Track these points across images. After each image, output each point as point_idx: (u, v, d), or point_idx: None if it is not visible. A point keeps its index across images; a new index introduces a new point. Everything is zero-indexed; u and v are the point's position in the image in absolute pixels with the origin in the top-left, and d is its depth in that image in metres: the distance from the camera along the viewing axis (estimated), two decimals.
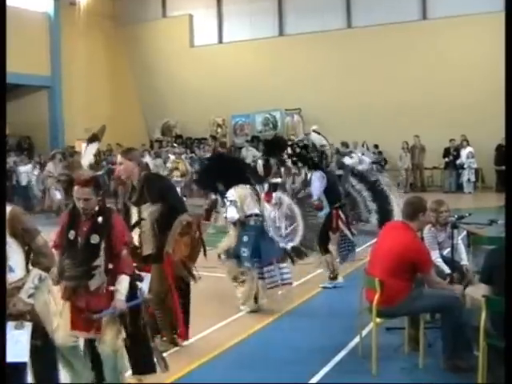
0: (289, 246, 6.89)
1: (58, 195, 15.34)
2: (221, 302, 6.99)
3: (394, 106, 20.26)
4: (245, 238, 6.57)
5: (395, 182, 20.23)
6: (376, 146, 20.69)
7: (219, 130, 23.69)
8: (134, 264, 4.47)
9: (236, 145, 22.35)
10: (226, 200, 6.65)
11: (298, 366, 5.10)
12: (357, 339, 5.39)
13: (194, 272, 5.43)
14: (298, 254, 7.10)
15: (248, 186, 6.76)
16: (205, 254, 5.49)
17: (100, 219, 4.16)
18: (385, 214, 7.91)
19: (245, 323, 6.32)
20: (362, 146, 20.82)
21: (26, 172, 17.78)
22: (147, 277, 4.71)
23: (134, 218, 5.21)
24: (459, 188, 19.27)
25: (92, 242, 4.10)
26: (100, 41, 24.97)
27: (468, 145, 19.13)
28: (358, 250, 9.86)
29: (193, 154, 20.43)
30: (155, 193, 5.16)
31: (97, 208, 4.19)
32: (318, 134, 8.79)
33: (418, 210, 5.06)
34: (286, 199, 7.14)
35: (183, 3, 24.99)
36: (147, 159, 18.84)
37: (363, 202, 8.19)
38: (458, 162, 19.25)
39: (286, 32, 23.52)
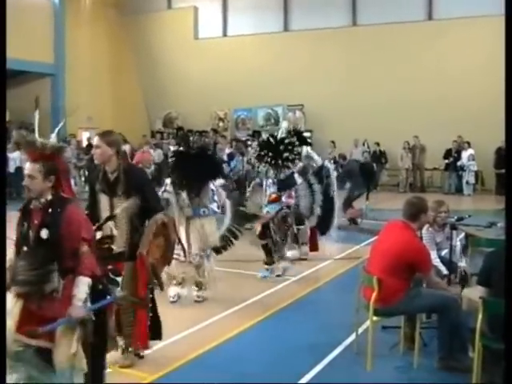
0: None
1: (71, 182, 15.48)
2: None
3: (396, 105, 20.26)
4: None
5: (395, 182, 20.48)
6: (377, 144, 20.67)
7: (221, 123, 23.68)
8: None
9: (238, 138, 22.33)
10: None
11: (293, 362, 5.11)
12: (353, 336, 5.41)
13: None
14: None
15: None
16: (184, 253, 5.22)
17: (50, 210, 3.57)
18: (325, 222, 8.17)
19: (244, 315, 6.34)
20: (363, 144, 20.84)
21: (13, 159, 17.93)
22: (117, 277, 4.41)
23: (105, 212, 4.71)
24: (459, 190, 19.30)
25: (42, 237, 3.55)
26: (104, 30, 24.90)
27: (469, 147, 19.13)
28: (357, 247, 9.99)
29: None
30: (133, 186, 4.68)
31: (49, 197, 3.62)
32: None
33: (419, 210, 5.07)
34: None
35: None
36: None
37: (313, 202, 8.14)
38: (458, 163, 19.27)
39: (290, 28, 23.47)
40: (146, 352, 4.98)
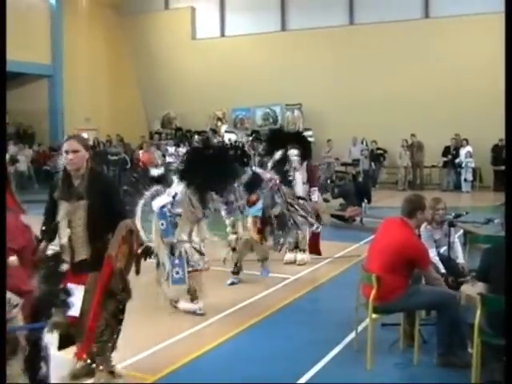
0: None
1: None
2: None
3: (395, 103, 20.30)
4: None
5: (394, 180, 20.52)
6: (375, 142, 20.70)
7: (219, 123, 23.70)
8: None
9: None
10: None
11: (294, 360, 5.13)
12: (353, 334, 5.43)
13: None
14: None
15: None
16: (137, 271, 4.48)
17: None
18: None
19: (244, 314, 6.37)
20: (362, 142, 20.87)
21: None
22: (78, 291, 4.11)
23: (63, 220, 4.33)
24: (457, 187, 19.34)
25: None
26: (102, 30, 24.93)
27: (468, 144, 19.16)
28: (356, 245, 10.02)
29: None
30: (98, 189, 4.32)
31: None
32: (232, 132, 8.60)
33: (417, 207, 5.09)
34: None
35: None
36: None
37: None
38: (456, 161, 19.30)
39: (288, 27, 23.51)
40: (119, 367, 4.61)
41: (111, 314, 4.31)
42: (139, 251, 4.49)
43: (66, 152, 4.29)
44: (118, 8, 25.85)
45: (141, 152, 19.32)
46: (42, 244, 4.28)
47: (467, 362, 4.58)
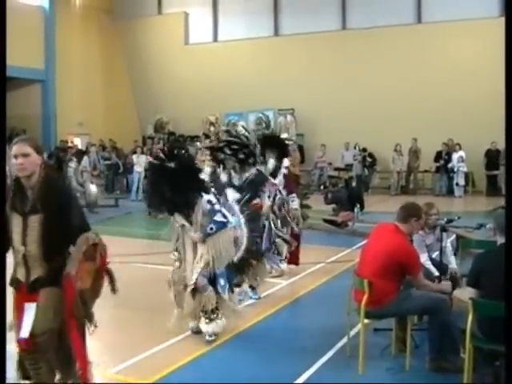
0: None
1: (94, 189, 15.53)
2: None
3: (387, 107, 20.37)
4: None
5: (387, 185, 20.56)
6: (364, 150, 20.68)
7: (212, 128, 23.58)
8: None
9: None
10: (208, 205, 5.66)
11: (286, 365, 5.12)
12: (345, 339, 5.43)
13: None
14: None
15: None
16: (113, 290, 3.90)
17: None
18: None
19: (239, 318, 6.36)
20: (354, 147, 20.92)
21: None
22: (30, 308, 3.68)
23: (17, 234, 3.79)
24: (450, 191, 19.39)
25: None
26: (95, 35, 24.92)
27: (460, 149, 19.24)
28: (348, 250, 10.03)
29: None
30: (53, 199, 3.80)
31: None
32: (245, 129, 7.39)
33: (412, 215, 5.12)
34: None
35: (179, 1, 25.01)
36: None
37: None
38: (449, 165, 19.37)
39: (281, 32, 23.57)
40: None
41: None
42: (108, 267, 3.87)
43: (15, 156, 3.77)
44: (112, 13, 25.86)
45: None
46: None
47: (459, 366, 4.58)
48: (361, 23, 21.63)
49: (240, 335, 5.93)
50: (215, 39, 24.75)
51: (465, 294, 4.59)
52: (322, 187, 16.28)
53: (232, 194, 6.29)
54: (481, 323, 4.36)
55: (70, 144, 20.61)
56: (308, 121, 21.33)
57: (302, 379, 4.82)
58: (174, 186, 5.52)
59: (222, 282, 5.67)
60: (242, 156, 6.62)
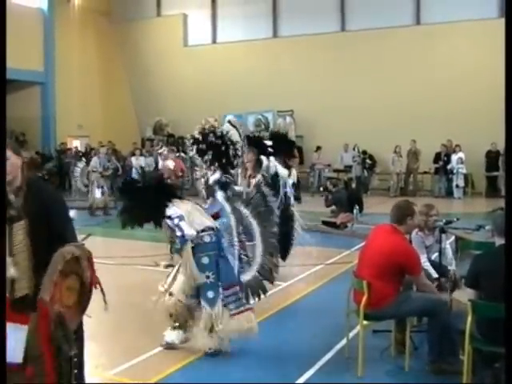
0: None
1: (98, 195, 15.45)
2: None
3: (386, 109, 20.37)
4: (205, 260, 5.35)
5: (386, 186, 20.54)
6: (364, 152, 20.64)
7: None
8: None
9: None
10: (169, 221, 5.36)
11: (285, 367, 5.12)
12: (344, 341, 5.42)
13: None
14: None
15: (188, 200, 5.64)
16: (105, 301, 3.48)
17: None
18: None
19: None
20: (354, 149, 20.90)
21: None
22: (21, 331, 3.17)
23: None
24: (449, 193, 19.38)
25: None
26: (94, 38, 24.94)
27: (460, 150, 19.22)
28: (348, 252, 10.02)
29: (183, 154, 20.37)
30: (37, 205, 3.46)
31: None
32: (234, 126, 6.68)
33: (406, 213, 5.10)
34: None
35: (178, 2, 25.00)
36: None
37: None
38: (448, 167, 19.36)
39: (279, 34, 23.58)
40: None
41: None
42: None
43: None
44: (110, 15, 25.88)
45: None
46: None
47: (458, 368, 4.58)
48: (359, 25, 21.63)
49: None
50: (214, 41, 24.76)
51: (464, 295, 4.58)
52: (321, 189, 16.25)
53: (221, 194, 5.88)
54: (480, 325, 4.35)
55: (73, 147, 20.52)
56: (307, 122, 21.34)
57: (301, 381, 4.81)
58: (140, 204, 5.33)
59: (209, 294, 5.32)
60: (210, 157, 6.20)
